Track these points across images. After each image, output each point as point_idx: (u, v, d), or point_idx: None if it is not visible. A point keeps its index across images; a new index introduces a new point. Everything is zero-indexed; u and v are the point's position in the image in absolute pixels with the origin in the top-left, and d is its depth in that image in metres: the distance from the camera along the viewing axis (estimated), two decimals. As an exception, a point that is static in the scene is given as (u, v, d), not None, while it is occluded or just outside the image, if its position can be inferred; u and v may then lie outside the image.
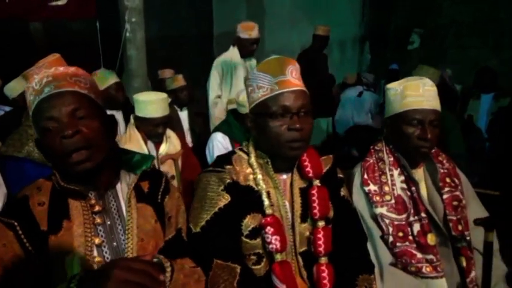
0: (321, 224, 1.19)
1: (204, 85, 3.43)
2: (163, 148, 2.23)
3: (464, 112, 3.44)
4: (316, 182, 1.21)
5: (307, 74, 3.99)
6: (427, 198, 1.35)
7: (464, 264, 1.28)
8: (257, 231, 1.15)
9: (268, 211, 1.15)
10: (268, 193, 1.18)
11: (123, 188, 1.08)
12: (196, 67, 6.33)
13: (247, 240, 1.15)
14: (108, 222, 1.03)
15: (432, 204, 1.34)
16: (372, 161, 1.39)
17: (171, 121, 3.29)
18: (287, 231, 1.18)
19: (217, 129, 2.44)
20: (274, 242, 1.12)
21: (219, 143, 2.33)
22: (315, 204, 1.18)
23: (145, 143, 2.19)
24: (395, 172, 1.35)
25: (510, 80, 4.85)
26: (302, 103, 1.11)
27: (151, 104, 2.11)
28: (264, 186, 1.17)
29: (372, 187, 1.33)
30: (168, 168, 2.24)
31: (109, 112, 3.20)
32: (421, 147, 1.30)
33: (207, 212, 1.14)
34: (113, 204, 1.06)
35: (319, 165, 1.23)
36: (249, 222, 1.15)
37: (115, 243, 1.02)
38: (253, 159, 1.20)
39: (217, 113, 3.23)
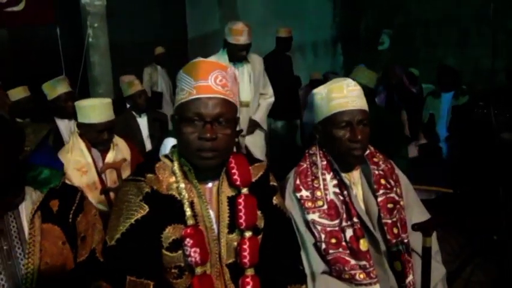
0: (248, 234, 1.14)
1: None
2: (110, 156, 2.14)
3: (421, 111, 3.47)
4: (244, 191, 1.16)
5: (272, 76, 3.97)
6: (363, 202, 1.31)
7: (399, 268, 1.25)
8: (178, 243, 1.09)
9: (190, 222, 1.09)
10: (191, 203, 1.12)
11: (27, 208, 1.00)
12: (169, 72, 6.22)
13: (168, 253, 1.09)
14: (6, 247, 0.95)
15: (367, 207, 1.30)
16: (305, 165, 1.35)
17: (130, 128, 3.23)
18: (211, 242, 1.12)
19: (170, 134, 2.37)
20: (194, 254, 1.06)
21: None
22: (241, 214, 1.13)
23: (90, 152, 2.09)
24: (328, 176, 1.31)
25: (474, 78, 4.95)
26: (219, 112, 1.06)
27: (94, 109, 2.03)
28: (186, 195, 1.11)
29: (304, 193, 1.29)
30: (116, 178, 2.15)
31: (61, 121, 3.09)
32: (353, 150, 1.26)
33: (123, 224, 1.07)
34: (13, 226, 0.97)
35: (247, 173, 1.18)
36: (170, 233, 1.09)
37: (13, 270, 0.94)
38: (176, 167, 1.14)
39: None
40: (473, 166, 2.31)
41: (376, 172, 1.33)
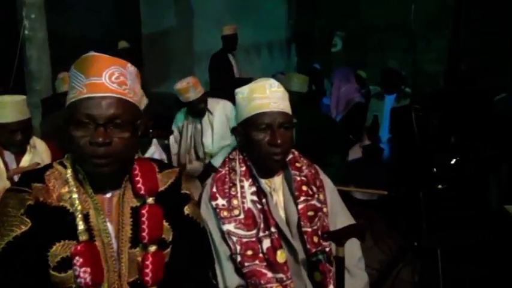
0: (152, 248, 1.03)
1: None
2: (26, 159, 1.95)
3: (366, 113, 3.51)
4: (150, 200, 1.05)
5: (218, 77, 3.88)
6: (283, 210, 1.24)
7: (319, 279, 1.19)
8: (68, 262, 0.96)
9: (82, 237, 0.97)
10: (86, 215, 0.99)
11: None
12: None
13: (56, 273, 0.95)
14: None
15: (287, 215, 1.23)
16: (223, 171, 1.25)
17: (62, 128, 2.99)
18: (109, 259, 1.00)
19: None
20: (84, 275, 0.93)
21: None
22: (144, 226, 1.02)
23: (1, 155, 1.89)
24: (246, 183, 1.22)
25: (420, 82, 5.11)
26: (114, 113, 0.94)
27: (4, 107, 1.84)
28: (79, 207, 0.98)
29: (220, 201, 1.19)
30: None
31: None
32: (273, 154, 1.19)
33: None
34: None
35: (154, 181, 1.07)
36: (58, 251, 0.96)
37: None
38: (69, 175, 1.01)
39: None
40: (404, 169, 2.34)
41: (298, 178, 1.26)
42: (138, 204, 1.05)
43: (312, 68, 6.02)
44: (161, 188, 1.09)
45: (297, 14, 8.02)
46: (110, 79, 0.95)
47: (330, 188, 1.36)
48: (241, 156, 1.27)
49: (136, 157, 1.09)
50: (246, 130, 1.23)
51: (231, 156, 1.29)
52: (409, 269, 2.01)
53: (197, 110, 2.95)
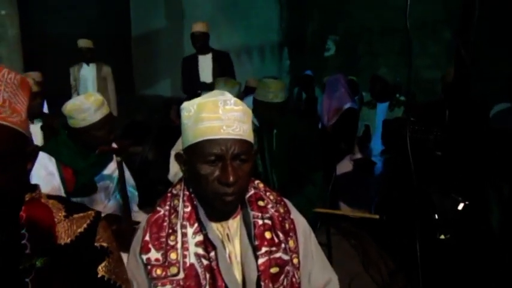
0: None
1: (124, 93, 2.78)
2: None
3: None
4: (39, 263, 0.75)
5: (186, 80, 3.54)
6: (240, 265, 0.95)
7: None
8: None
9: None
10: None
11: None
12: (113, 72, 5.61)
13: None
14: None
15: (245, 273, 0.94)
16: (162, 212, 0.95)
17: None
18: None
19: (42, 147, 1.94)
20: None
21: (41, 166, 1.80)
22: None
23: None
24: (190, 230, 0.92)
25: (414, 89, 4.87)
26: None
27: None
28: None
29: (154, 254, 0.90)
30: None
31: None
32: (224, 195, 0.89)
33: None
34: None
35: (48, 233, 0.78)
36: None
37: None
38: None
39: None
40: (399, 199, 2.03)
41: (260, 222, 0.96)
42: (27, 265, 0.76)
43: (304, 75, 5.77)
44: (65, 241, 0.80)
45: (289, 17, 7.79)
46: None
47: (304, 230, 1.07)
48: (186, 193, 0.97)
49: (27, 198, 0.80)
50: (191, 160, 0.92)
51: (174, 191, 0.99)
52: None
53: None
